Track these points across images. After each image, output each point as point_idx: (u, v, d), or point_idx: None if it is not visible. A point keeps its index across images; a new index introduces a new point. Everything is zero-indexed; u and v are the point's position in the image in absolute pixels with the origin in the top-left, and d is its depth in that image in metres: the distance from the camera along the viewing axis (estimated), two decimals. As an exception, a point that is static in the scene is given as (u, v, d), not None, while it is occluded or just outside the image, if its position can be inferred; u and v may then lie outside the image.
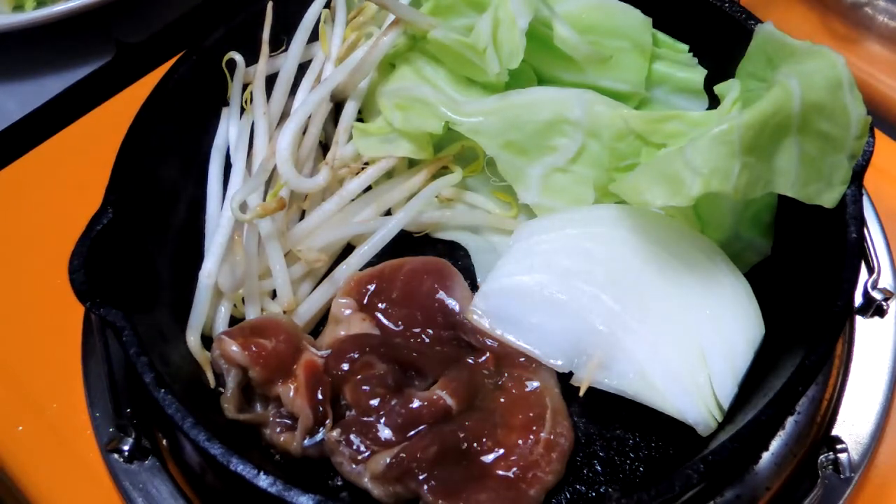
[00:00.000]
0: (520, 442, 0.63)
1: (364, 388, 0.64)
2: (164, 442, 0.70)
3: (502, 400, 0.66)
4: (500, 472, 0.62)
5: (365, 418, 0.63)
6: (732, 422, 0.62)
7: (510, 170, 0.75)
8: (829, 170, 0.62)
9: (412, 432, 0.63)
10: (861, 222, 0.65)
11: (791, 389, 0.58)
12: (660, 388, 0.63)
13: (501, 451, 0.63)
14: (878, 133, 0.67)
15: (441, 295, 0.71)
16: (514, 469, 0.62)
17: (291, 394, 0.64)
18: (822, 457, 0.67)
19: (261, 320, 0.70)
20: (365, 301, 0.71)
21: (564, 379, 0.67)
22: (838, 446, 0.67)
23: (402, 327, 0.70)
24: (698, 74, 0.84)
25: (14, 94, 1.10)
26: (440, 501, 0.59)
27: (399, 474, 0.60)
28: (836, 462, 0.67)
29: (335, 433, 0.63)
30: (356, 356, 0.65)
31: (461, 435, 0.63)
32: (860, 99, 0.61)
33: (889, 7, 1.06)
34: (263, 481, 0.55)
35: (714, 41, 0.82)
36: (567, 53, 0.75)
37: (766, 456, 0.66)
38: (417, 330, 0.70)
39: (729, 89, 0.69)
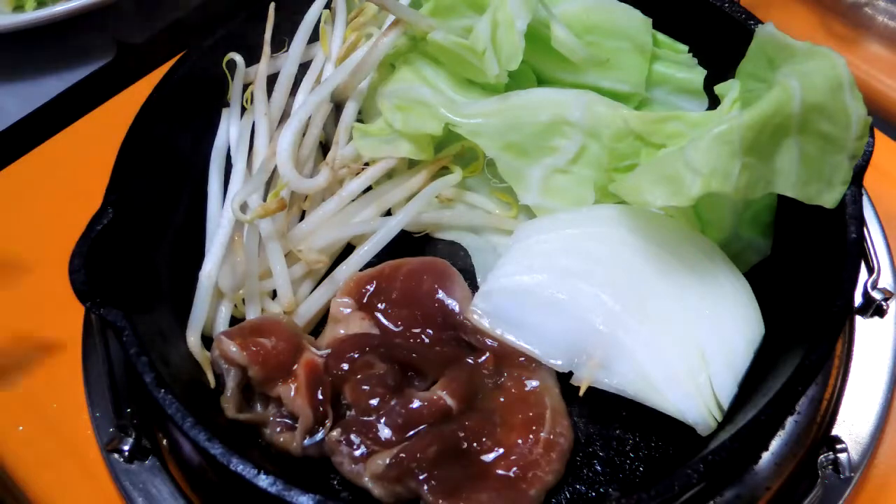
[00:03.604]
0: (519, 442, 0.63)
1: (364, 387, 0.64)
2: (164, 442, 0.70)
3: (502, 400, 0.66)
4: (500, 472, 0.62)
5: (365, 418, 0.63)
6: (732, 422, 0.62)
7: (510, 171, 0.75)
8: (829, 170, 0.62)
9: (412, 432, 0.63)
10: (861, 222, 0.65)
11: (791, 389, 0.58)
12: (660, 387, 0.63)
13: (501, 450, 0.63)
14: (877, 133, 0.67)
15: (441, 295, 0.71)
16: (514, 469, 0.62)
17: (292, 393, 0.64)
18: (821, 457, 0.67)
19: (260, 320, 0.70)
20: (364, 301, 0.71)
21: (564, 379, 0.67)
22: (838, 446, 0.67)
23: (401, 327, 0.70)
24: (698, 75, 0.84)
25: (15, 94, 1.10)
26: (440, 501, 0.59)
27: (399, 474, 0.60)
28: (835, 462, 0.67)
29: (335, 433, 0.63)
30: (356, 356, 0.66)
31: (461, 435, 0.63)
32: (861, 99, 0.61)
33: (889, 7, 1.06)
34: (263, 481, 0.55)
35: (714, 41, 0.82)
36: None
37: (765, 456, 0.66)
38: (417, 330, 0.70)
39: (729, 90, 0.69)
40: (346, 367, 0.65)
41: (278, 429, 0.65)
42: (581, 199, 0.74)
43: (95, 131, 0.97)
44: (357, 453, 0.62)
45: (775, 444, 0.67)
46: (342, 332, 0.69)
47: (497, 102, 0.75)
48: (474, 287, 0.73)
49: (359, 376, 0.64)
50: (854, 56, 1.05)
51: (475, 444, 0.63)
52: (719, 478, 0.65)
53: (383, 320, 0.70)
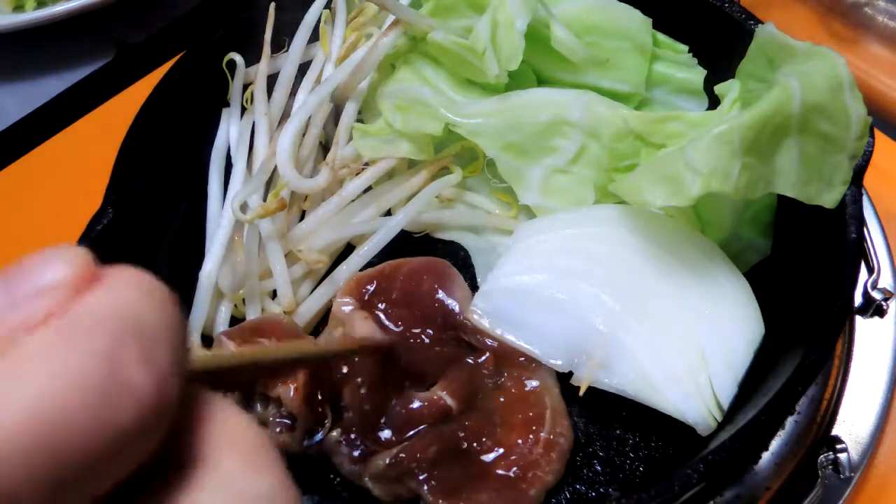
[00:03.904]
0: (519, 441, 0.63)
1: (363, 389, 0.64)
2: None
3: (502, 399, 0.66)
4: (500, 472, 0.62)
5: (364, 418, 0.63)
6: (732, 422, 0.62)
7: (510, 171, 0.75)
8: (829, 170, 0.62)
9: (412, 432, 0.63)
10: (860, 222, 0.65)
11: (791, 389, 0.58)
12: (660, 387, 0.63)
13: (501, 450, 0.63)
14: (877, 133, 0.67)
15: (441, 295, 0.71)
16: (514, 469, 0.62)
17: (291, 394, 0.64)
18: (821, 457, 0.67)
19: (260, 320, 0.70)
20: (365, 300, 0.71)
21: (564, 379, 0.67)
22: (838, 446, 0.67)
23: (401, 327, 0.70)
24: (698, 75, 0.84)
25: (14, 95, 1.10)
26: (440, 501, 0.59)
27: (399, 474, 0.60)
28: (835, 462, 0.67)
29: (335, 433, 0.63)
30: (356, 358, 0.65)
31: (461, 435, 0.63)
32: (861, 99, 0.61)
33: (889, 7, 1.06)
34: (263, 481, 0.55)
35: (714, 42, 0.82)
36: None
37: (765, 456, 0.66)
38: (417, 330, 0.70)
39: (729, 90, 0.69)
40: (345, 368, 0.65)
41: (278, 429, 0.65)
42: (581, 200, 0.74)
43: (95, 131, 0.97)
44: (356, 453, 0.62)
45: (775, 444, 0.67)
46: (344, 331, 0.69)
47: (497, 102, 0.75)
48: (474, 287, 0.73)
49: (358, 379, 0.64)
50: (854, 56, 1.05)
51: (475, 444, 0.63)
52: (719, 478, 0.65)
53: (383, 320, 0.70)
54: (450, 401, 0.64)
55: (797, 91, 0.59)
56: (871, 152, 0.65)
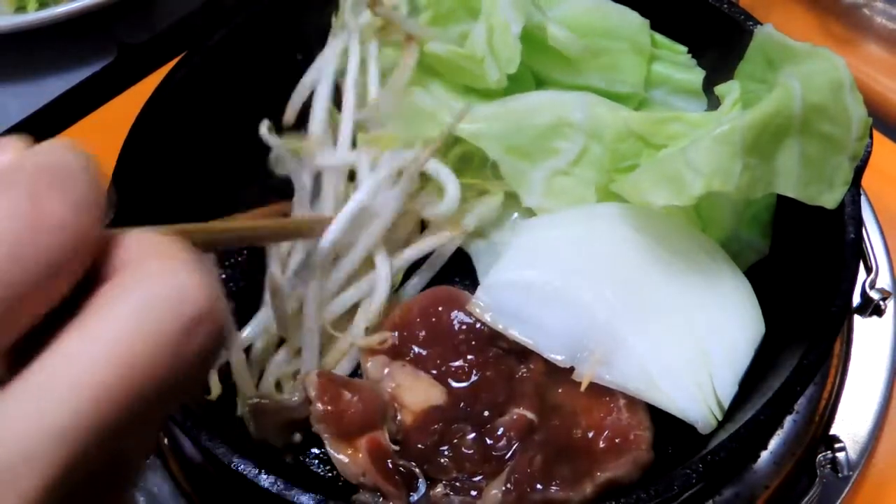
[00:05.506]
0: (603, 415, 0.63)
1: (446, 459, 0.63)
2: (166, 441, 0.70)
3: (560, 391, 0.66)
4: (605, 445, 0.62)
5: (462, 462, 0.62)
6: (731, 421, 0.63)
7: (513, 173, 0.75)
8: (830, 171, 0.63)
9: (508, 455, 0.62)
10: (859, 223, 0.65)
11: (789, 389, 0.58)
12: (661, 385, 0.63)
13: (593, 432, 0.63)
14: (875, 134, 0.67)
15: (462, 317, 0.69)
16: (617, 438, 0.62)
17: (346, 459, 0.62)
18: (820, 456, 0.67)
19: (354, 381, 0.67)
20: (394, 353, 0.69)
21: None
22: (836, 445, 0.68)
23: (443, 369, 0.67)
24: (697, 75, 0.84)
25: (16, 95, 1.10)
26: (571, 493, 0.59)
27: (520, 494, 0.59)
28: (834, 461, 0.67)
29: (439, 488, 0.62)
30: (437, 427, 0.64)
31: (553, 437, 0.63)
32: (861, 100, 0.61)
33: (887, 8, 1.07)
34: (265, 481, 0.55)
35: (713, 42, 0.82)
36: (563, 54, 0.75)
37: (764, 455, 0.66)
38: (459, 363, 0.68)
39: (729, 90, 0.69)
40: (434, 438, 0.63)
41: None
42: (583, 201, 0.74)
43: (97, 132, 0.97)
44: (469, 497, 0.61)
45: (774, 443, 0.67)
46: (394, 392, 0.66)
47: (499, 106, 0.75)
48: (475, 288, 0.73)
49: (443, 448, 0.63)
50: (852, 57, 1.05)
51: (570, 438, 0.63)
52: (718, 477, 0.65)
53: (423, 365, 0.68)
54: (530, 414, 0.63)
55: (798, 92, 0.60)
56: (869, 153, 0.66)
